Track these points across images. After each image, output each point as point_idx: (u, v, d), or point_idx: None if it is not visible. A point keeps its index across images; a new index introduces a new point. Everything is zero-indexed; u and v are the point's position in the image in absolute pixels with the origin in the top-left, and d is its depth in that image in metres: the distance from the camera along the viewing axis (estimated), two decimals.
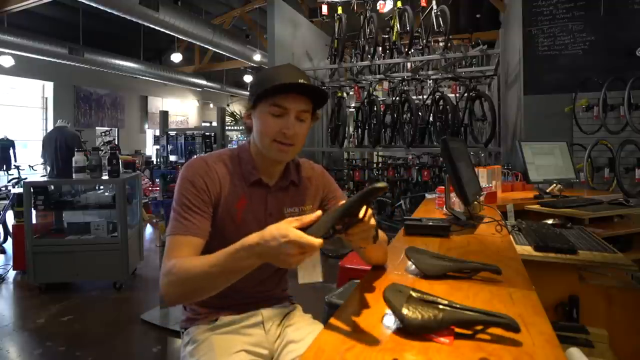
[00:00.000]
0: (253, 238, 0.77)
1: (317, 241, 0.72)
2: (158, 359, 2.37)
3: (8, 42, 6.92)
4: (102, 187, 3.75)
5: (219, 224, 1.00)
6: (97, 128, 11.20)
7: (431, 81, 5.12)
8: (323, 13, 6.00)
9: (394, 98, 5.14)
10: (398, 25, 5.06)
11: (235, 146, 1.15)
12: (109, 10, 5.75)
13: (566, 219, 1.88)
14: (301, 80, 0.94)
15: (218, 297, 1.07)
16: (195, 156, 3.08)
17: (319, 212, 0.77)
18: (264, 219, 1.03)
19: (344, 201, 0.79)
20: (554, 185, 2.41)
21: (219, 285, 0.85)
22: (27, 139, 9.75)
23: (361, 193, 0.76)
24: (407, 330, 0.69)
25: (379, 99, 5.66)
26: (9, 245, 4.34)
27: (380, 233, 1.05)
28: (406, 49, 4.84)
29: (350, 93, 5.89)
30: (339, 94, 5.46)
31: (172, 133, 3.34)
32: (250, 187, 1.03)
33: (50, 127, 8.79)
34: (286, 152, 0.98)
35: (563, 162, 2.56)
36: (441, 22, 4.77)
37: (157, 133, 3.37)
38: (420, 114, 4.80)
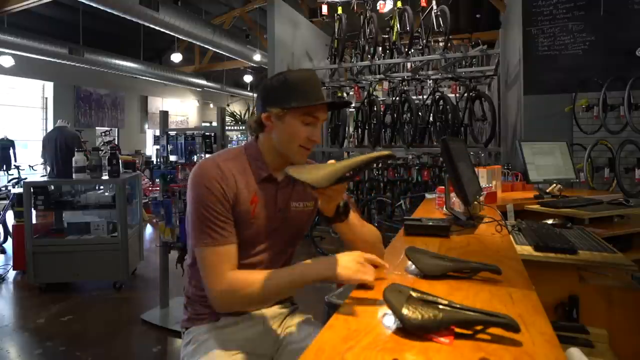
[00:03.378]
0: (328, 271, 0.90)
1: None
2: (158, 359, 2.37)
3: (8, 42, 6.92)
4: (102, 187, 3.75)
5: (236, 220, 1.01)
6: (97, 128, 11.20)
7: (431, 81, 5.12)
8: (323, 13, 6.01)
9: (394, 98, 5.14)
10: (398, 25, 5.06)
11: (235, 146, 1.18)
12: (109, 10, 5.75)
13: (566, 219, 1.87)
14: (324, 91, 1.04)
15: None
16: (194, 159, 3.09)
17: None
18: (274, 214, 1.06)
19: (352, 158, 0.91)
20: (554, 185, 2.41)
21: (279, 296, 1.08)
22: (27, 139, 9.75)
23: (370, 156, 0.90)
24: (407, 330, 0.69)
25: (379, 99, 5.66)
26: (9, 245, 4.35)
27: (374, 230, 1.09)
28: (406, 49, 4.84)
29: (350, 93, 5.88)
30: (339, 94, 5.46)
31: (172, 133, 3.33)
32: (260, 183, 1.05)
33: (50, 127, 8.79)
34: (306, 155, 1.06)
35: (563, 162, 2.56)
36: (441, 22, 4.77)
37: (157, 133, 3.36)
38: (420, 114, 4.80)
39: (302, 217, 1.12)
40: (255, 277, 0.93)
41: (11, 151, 8.27)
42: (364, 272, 0.88)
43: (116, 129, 11.86)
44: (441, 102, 4.80)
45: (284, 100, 0.99)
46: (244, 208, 1.01)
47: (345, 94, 5.68)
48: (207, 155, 3.03)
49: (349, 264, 0.89)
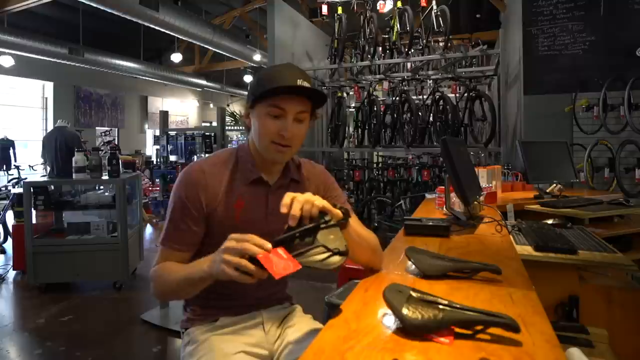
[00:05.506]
0: (206, 258, 0.85)
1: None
2: (158, 359, 2.37)
3: (8, 42, 6.92)
4: (102, 187, 3.75)
5: (218, 225, 1.00)
6: (97, 128, 11.21)
7: (431, 81, 5.11)
8: (323, 13, 6.00)
9: (394, 98, 5.14)
10: (398, 25, 5.06)
11: (235, 146, 1.15)
12: (109, 10, 5.74)
13: (566, 219, 1.87)
14: (300, 81, 0.94)
15: (218, 298, 1.07)
16: (194, 159, 3.10)
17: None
18: (264, 218, 1.03)
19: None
20: (554, 185, 2.41)
21: (188, 293, 0.98)
22: (27, 139, 9.75)
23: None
24: (407, 330, 0.69)
25: (379, 99, 5.66)
26: (9, 245, 4.35)
27: (372, 234, 1.03)
28: (406, 49, 4.84)
29: (350, 93, 5.88)
30: (339, 94, 5.46)
31: (172, 133, 3.34)
32: (249, 186, 1.02)
33: (50, 127, 8.79)
34: (283, 153, 0.99)
35: (563, 162, 2.56)
36: (441, 22, 4.76)
37: (157, 133, 3.37)
38: (420, 114, 4.80)
39: None
40: (168, 270, 0.96)
41: (11, 151, 8.27)
42: (228, 262, 0.77)
43: (116, 129, 11.87)
44: (441, 102, 4.79)
45: (253, 94, 0.98)
46: (226, 213, 1.00)
47: (345, 94, 5.68)
48: (203, 156, 3.04)
49: (215, 257, 0.80)
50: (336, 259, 0.76)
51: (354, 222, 0.96)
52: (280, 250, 0.77)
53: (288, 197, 0.81)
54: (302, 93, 0.97)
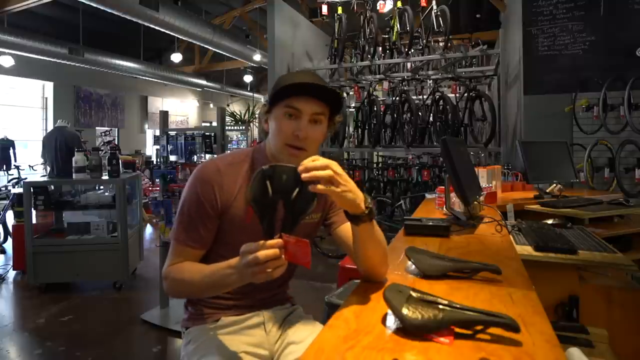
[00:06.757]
0: (229, 267, 0.85)
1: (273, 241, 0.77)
2: (158, 359, 2.37)
3: (8, 42, 6.92)
4: (102, 187, 3.75)
5: (229, 224, 1.01)
6: (97, 128, 11.20)
7: (431, 81, 5.11)
8: (323, 13, 6.00)
9: (394, 98, 5.14)
10: (398, 25, 5.06)
11: (235, 146, 1.15)
12: (109, 10, 5.74)
13: (566, 219, 1.87)
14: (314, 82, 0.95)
15: (220, 298, 1.07)
16: (195, 159, 3.09)
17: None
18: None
19: None
20: (554, 185, 2.41)
21: (209, 293, 1.01)
22: (27, 139, 9.75)
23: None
24: (407, 330, 0.69)
25: (379, 99, 5.66)
26: (9, 245, 4.35)
27: (384, 240, 0.97)
28: (406, 49, 4.84)
29: (350, 93, 5.88)
30: (339, 94, 5.45)
31: (172, 133, 3.33)
32: None
33: (50, 127, 8.79)
34: (297, 157, 0.94)
35: (563, 162, 2.56)
36: (441, 22, 4.76)
37: (157, 133, 3.37)
38: (420, 114, 4.80)
39: (305, 228, 1.06)
40: (187, 270, 0.96)
41: (11, 151, 8.27)
42: (253, 274, 0.79)
43: (116, 129, 11.86)
44: (441, 102, 4.79)
45: (269, 97, 0.99)
46: (238, 213, 1.00)
47: (345, 94, 5.68)
48: (209, 156, 3.04)
49: (243, 273, 0.81)
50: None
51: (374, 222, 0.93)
52: (285, 237, 0.79)
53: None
54: (317, 95, 0.96)
